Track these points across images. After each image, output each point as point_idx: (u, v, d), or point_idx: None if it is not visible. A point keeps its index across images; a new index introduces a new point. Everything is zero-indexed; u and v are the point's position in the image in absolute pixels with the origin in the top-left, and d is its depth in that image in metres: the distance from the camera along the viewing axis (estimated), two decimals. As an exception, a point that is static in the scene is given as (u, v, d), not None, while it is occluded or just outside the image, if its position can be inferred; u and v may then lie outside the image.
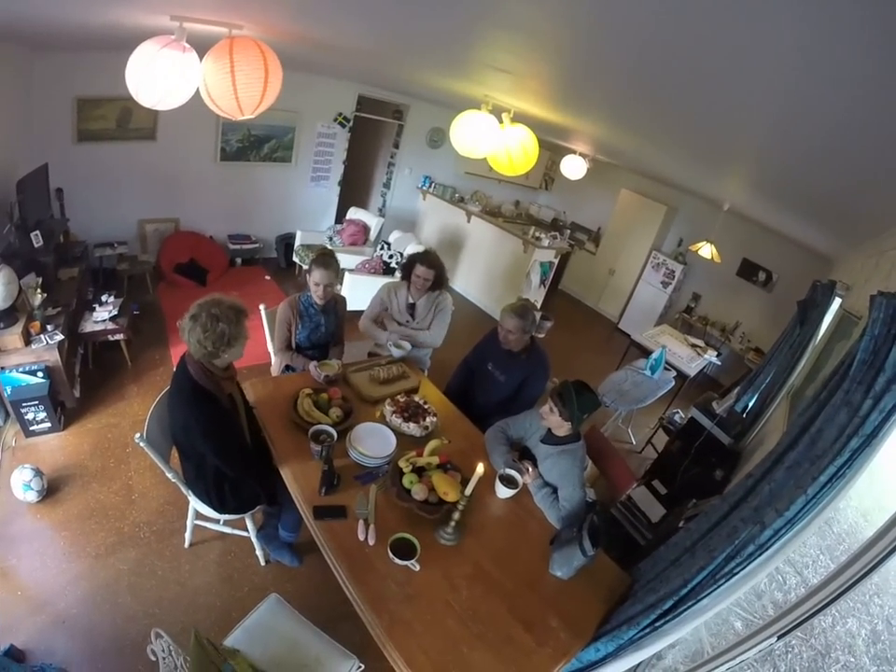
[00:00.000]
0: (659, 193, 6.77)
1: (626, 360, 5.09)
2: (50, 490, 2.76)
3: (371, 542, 1.83)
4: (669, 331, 5.47)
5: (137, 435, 2.00)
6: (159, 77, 2.01)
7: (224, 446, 2.05)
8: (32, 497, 2.65)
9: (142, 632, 2.15)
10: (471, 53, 2.32)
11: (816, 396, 1.62)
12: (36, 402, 2.98)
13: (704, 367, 5.12)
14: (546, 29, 1.60)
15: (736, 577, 1.40)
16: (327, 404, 2.45)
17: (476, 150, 3.15)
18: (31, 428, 3.06)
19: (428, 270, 3.10)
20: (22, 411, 2.98)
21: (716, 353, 5.28)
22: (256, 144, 5.71)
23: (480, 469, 1.80)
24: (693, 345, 5.18)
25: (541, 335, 6.20)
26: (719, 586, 1.43)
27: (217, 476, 2.15)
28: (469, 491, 1.85)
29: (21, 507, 2.65)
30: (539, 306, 6.08)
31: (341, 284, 5.14)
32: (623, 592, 1.91)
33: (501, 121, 3.18)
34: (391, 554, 1.75)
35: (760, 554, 1.36)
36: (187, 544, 2.60)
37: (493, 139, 3.13)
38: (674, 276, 6.57)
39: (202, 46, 2.05)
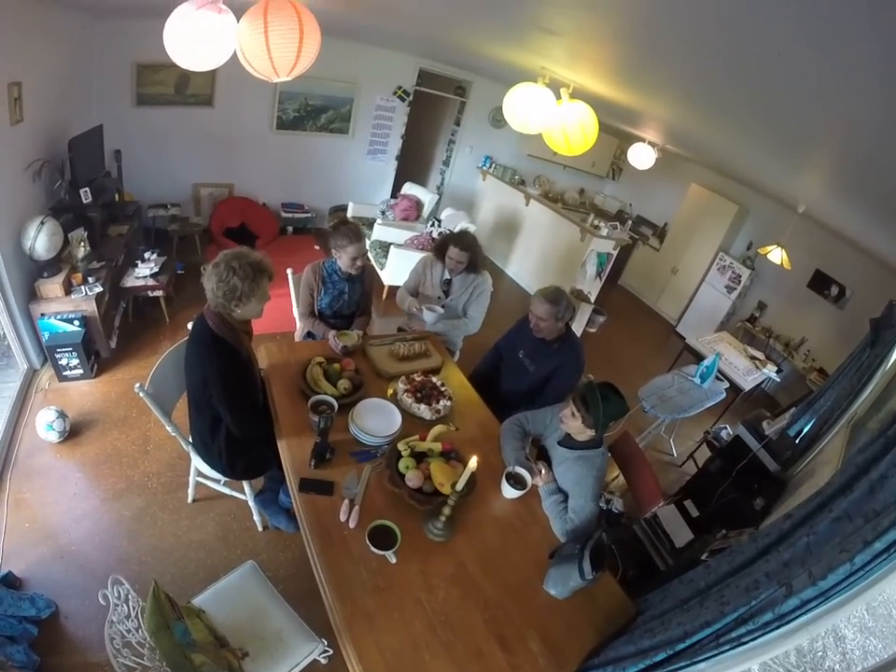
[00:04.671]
0: (730, 191, 6.22)
1: (678, 365, 4.72)
2: (73, 432, 2.88)
3: (352, 525, 1.72)
4: (728, 339, 5.02)
5: (137, 385, 1.98)
6: (194, 37, 1.99)
7: (240, 402, 2.02)
8: (53, 437, 2.77)
9: (131, 577, 2.16)
10: (520, 11, 2.11)
11: (883, 430, 1.32)
12: (70, 349, 3.11)
13: (761, 382, 4.66)
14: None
15: (744, 648, 1.15)
16: (337, 375, 2.36)
17: (528, 125, 2.94)
18: (64, 373, 3.20)
19: (462, 252, 2.95)
20: (57, 356, 3.11)
21: (776, 368, 4.79)
22: (313, 114, 5.70)
23: (473, 462, 1.65)
24: (753, 357, 4.72)
25: (593, 330, 5.95)
26: (721, 652, 1.19)
27: (229, 437, 2.11)
28: (460, 486, 1.69)
29: (43, 445, 2.78)
30: (592, 299, 5.78)
31: (386, 258, 5.08)
32: (624, 623, 1.69)
33: (559, 97, 2.94)
34: (368, 542, 1.63)
35: (778, 627, 1.10)
36: (190, 499, 2.64)
37: (547, 114, 2.90)
38: (740, 281, 6.04)
39: (239, 7, 1.99)
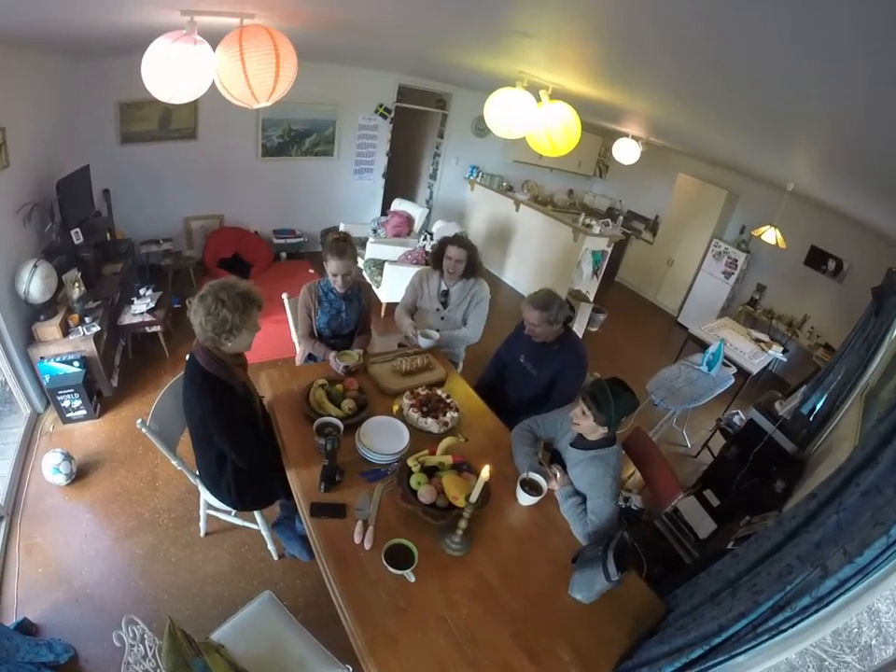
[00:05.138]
0: (718, 177, 6.24)
1: (683, 355, 4.69)
2: (80, 474, 2.86)
3: (368, 546, 1.68)
4: (731, 325, 5.00)
5: (139, 420, 1.96)
6: (171, 70, 1.99)
7: (241, 437, 1.97)
8: (60, 479, 2.75)
9: (148, 616, 2.16)
10: (495, 14, 2.11)
11: (899, 396, 1.31)
12: (72, 390, 3.09)
13: (768, 364, 4.63)
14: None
15: (784, 635, 1.11)
16: (340, 395, 2.33)
17: (512, 131, 2.94)
18: (67, 415, 3.18)
19: (460, 250, 2.94)
20: (59, 398, 3.09)
21: (781, 349, 4.77)
22: (297, 138, 5.74)
23: (485, 472, 1.61)
24: (757, 340, 4.69)
25: (594, 329, 5.94)
26: (760, 643, 1.14)
27: (237, 471, 2.08)
28: (473, 497, 1.65)
29: (50, 488, 2.77)
30: (591, 298, 5.77)
31: (381, 276, 5.06)
32: (655, 622, 1.64)
33: (539, 100, 2.95)
34: (384, 562, 1.59)
35: (818, 610, 1.06)
36: (202, 533, 2.60)
37: (530, 118, 2.90)
38: (737, 266, 6.03)
39: (217, 38, 2.02)
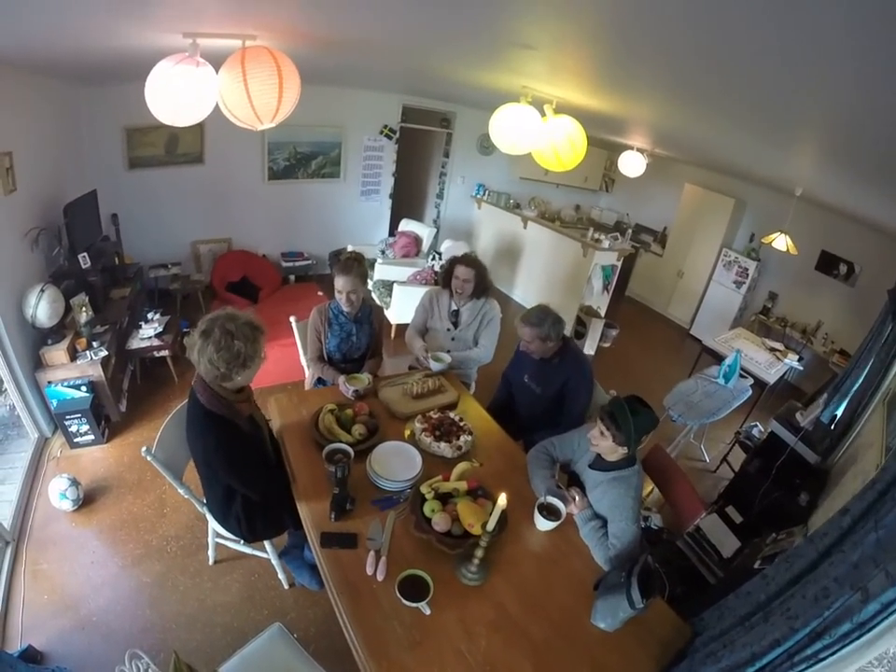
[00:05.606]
0: (724, 185, 6.22)
1: (698, 368, 4.62)
2: (87, 499, 2.83)
3: (381, 578, 1.61)
4: (745, 335, 4.92)
5: (143, 449, 1.92)
6: (174, 92, 2.00)
7: (250, 473, 1.91)
8: (67, 505, 2.72)
9: (156, 646, 2.14)
10: (493, 28, 2.11)
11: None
12: (79, 415, 3.07)
13: (784, 373, 4.54)
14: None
15: (823, 664, 1.03)
16: (350, 421, 2.27)
17: (518, 146, 2.93)
18: (75, 440, 3.16)
19: (468, 269, 2.91)
20: (66, 423, 3.08)
21: (797, 357, 4.69)
22: (303, 161, 5.77)
23: (502, 500, 1.55)
24: (772, 349, 4.61)
25: (607, 345, 5.88)
26: (798, 673, 1.07)
27: (246, 503, 2.02)
28: (490, 526, 1.59)
29: (57, 514, 2.74)
30: (602, 313, 5.71)
31: (390, 297, 5.04)
32: (682, 646, 1.55)
33: (544, 114, 2.95)
34: (398, 594, 1.52)
35: (860, 637, 0.98)
36: (211, 561, 2.55)
37: (535, 133, 2.90)
38: (747, 275, 5.97)
39: (219, 60, 2.03)
